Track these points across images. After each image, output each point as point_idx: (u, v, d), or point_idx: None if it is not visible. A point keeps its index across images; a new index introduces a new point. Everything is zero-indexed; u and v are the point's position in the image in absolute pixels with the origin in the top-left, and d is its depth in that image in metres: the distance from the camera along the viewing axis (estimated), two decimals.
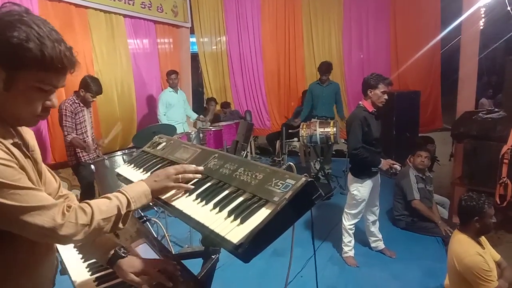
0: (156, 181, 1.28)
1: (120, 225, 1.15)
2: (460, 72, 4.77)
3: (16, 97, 1.03)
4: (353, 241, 3.68)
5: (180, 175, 1.31)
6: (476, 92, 4.86)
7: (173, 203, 1.30)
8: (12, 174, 1.00)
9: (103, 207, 1.12)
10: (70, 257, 1.64)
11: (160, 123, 5.50)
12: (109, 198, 1.16)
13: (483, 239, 2.65)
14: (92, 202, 1.11)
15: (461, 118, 4.53)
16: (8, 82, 1.00)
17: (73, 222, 1.04)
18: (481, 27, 4.80)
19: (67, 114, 3.92)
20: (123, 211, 1.14)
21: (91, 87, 3.99)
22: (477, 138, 4.20)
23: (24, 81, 1.01)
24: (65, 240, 1.05)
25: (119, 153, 4.03)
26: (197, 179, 1.36)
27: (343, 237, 3.69)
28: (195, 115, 6.31)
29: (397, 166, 3.47)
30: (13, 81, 1.00)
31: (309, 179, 1.09)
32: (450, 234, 3.41)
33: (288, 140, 6.32)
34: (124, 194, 1.18)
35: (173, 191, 1.34)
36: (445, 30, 6.77)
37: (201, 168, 1.39)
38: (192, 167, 1.38)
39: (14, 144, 1.09)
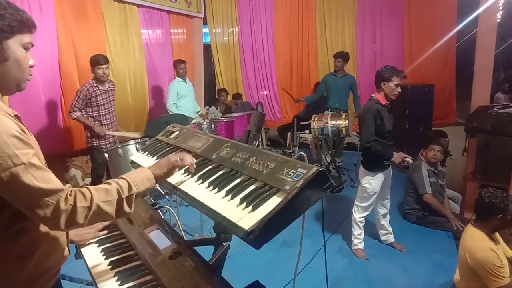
0: (157, 166, 1.32)
1: (126, 209, 1.18)
2: (476, 65, 4.70)
3: (10, 65, 1.11)
4: (363, 234, 3.68)
5: (179, 158, 1.35)
6: (492, 86, 4.78)
7: (186, 190, 1.32)
8: (23, 147, 1.03)
9: (103, 191, 1.15)
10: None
11: (170, 113, 5.51)
12: (109, 183, 1.19)
13: (496, 234, 2.62)
14: (91, 187, 1.15)
15: (476, 113, 4.47)
16: (2, 54, 1.08)
17: (72, 205, 1.06)
18: (498, 20, 4.69)
19: (80, 96, 4.05)
20: (123, 195, 1.17)
21: (96, 58, 4.10)
22: (491, 133, 4.14)
23: (13, 47, 1.10)
24: (65, 226, 1.07)
25: (132, 142, 4.07)
26: (210, 167, 1.38)
27: (353, 229, 3.69)
28: (198, 108, 6.27)
29: (409, 160, 3.44)
30: (4, 51, 1.08)
31: (320, 169, 1.10)
32: (462, 229, 3.39)
33: (299, 132, 6.30)
34: (125, 179, 1.21)
35: (179, 177, 1.37)
36: (461, 22, 6.63)
37: (193, 160, 1.43)
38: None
39: (16, 117, 1.12)
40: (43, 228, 1.21)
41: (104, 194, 1.14)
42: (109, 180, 1.21)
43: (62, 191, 1.06)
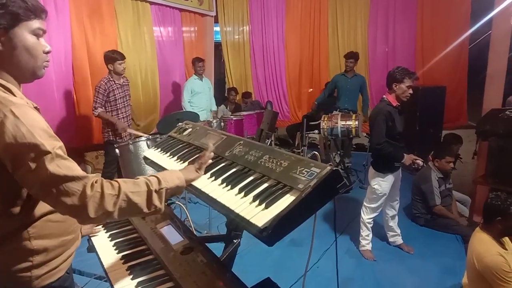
0: (185, 169, 1.34)
1: (156, 202, 1.17)
2: (489, 68, 4.64)
3: (20, 54, 1.13)
4: (371, 235, 3.67)
5: (202, 161, 1.38)
6: (504, 89, 4.73)
7: (199, 187, 1.33)
8: (49, 138, 1.06)
9: (130, 182, 1.15)
10: (98, 236, 1.71)
11: (184, 110, 5.55)
12: (137, 178, 1.20)
13: (506, 239, 2.60)
14: (119, 179, 1.15)
15: (487, 116, 4.42)
16: (10, 43, 1.10)
17: (99, 192, 1.06)
18: None
19: (100, 91, 4.16)
20: (153, 187, 1.16)
21: (114, 55, 4.22)
22: (502, 137, 4.10)
23: (20, 35, 1.11)
24: (95, 213, 1.06)
25: (143, 138, 4.10)
26: (223, 164, 1.40)
27: (361, 230, 3.69)
28: (215, 107, 6.34)
29: (420, 162, 3.42)
30: (11, 40, 1.10)
31: (334, 168, 1.10)
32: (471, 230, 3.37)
33: (308, 132, 6.29)
34: (153, 175, 1.22)
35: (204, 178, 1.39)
36: (475, 24, 6.56)
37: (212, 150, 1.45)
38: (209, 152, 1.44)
39: (36, 109, 1.15)
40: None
41: (132, 185, 1.14)
42: (136, 177, 1.21)
43: (87, 177, 1.07)
